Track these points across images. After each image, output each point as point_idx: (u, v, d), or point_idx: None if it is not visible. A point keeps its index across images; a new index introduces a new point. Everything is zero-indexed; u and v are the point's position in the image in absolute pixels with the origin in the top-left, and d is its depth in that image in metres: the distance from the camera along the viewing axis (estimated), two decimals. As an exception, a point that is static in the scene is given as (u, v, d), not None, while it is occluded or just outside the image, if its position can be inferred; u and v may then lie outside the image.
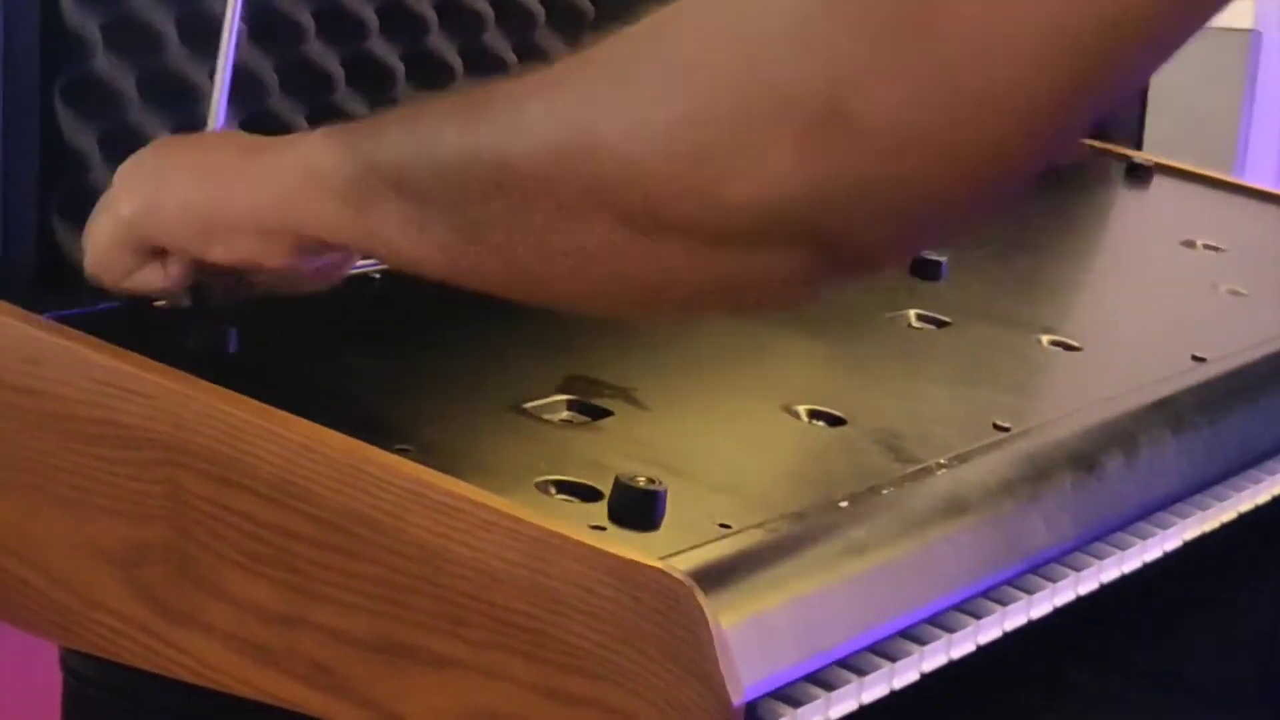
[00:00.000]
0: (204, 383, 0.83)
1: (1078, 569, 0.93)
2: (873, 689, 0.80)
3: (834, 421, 0.91)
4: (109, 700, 0.92)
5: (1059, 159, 0.60)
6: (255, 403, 0.82)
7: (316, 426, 0.80)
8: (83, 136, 0.99)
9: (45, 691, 0.96)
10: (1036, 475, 0.91)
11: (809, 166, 0.59)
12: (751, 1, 0.61)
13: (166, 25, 1.02)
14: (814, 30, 0.59)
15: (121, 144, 1.00)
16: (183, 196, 0.83)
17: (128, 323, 0.90)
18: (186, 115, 1.04)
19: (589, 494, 0.79)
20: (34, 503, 0.87)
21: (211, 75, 1.04)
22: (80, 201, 0.99)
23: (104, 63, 0.99)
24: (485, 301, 1.03)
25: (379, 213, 0.75)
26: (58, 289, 0.95)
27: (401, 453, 0.80)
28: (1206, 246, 1.34)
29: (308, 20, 1.10)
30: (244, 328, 0.89)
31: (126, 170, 0.86)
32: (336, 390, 0.88)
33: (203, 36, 1.04)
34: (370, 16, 1.14)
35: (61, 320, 0.88)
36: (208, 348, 0.88)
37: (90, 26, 0.98)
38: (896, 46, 0.58)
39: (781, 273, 0.65)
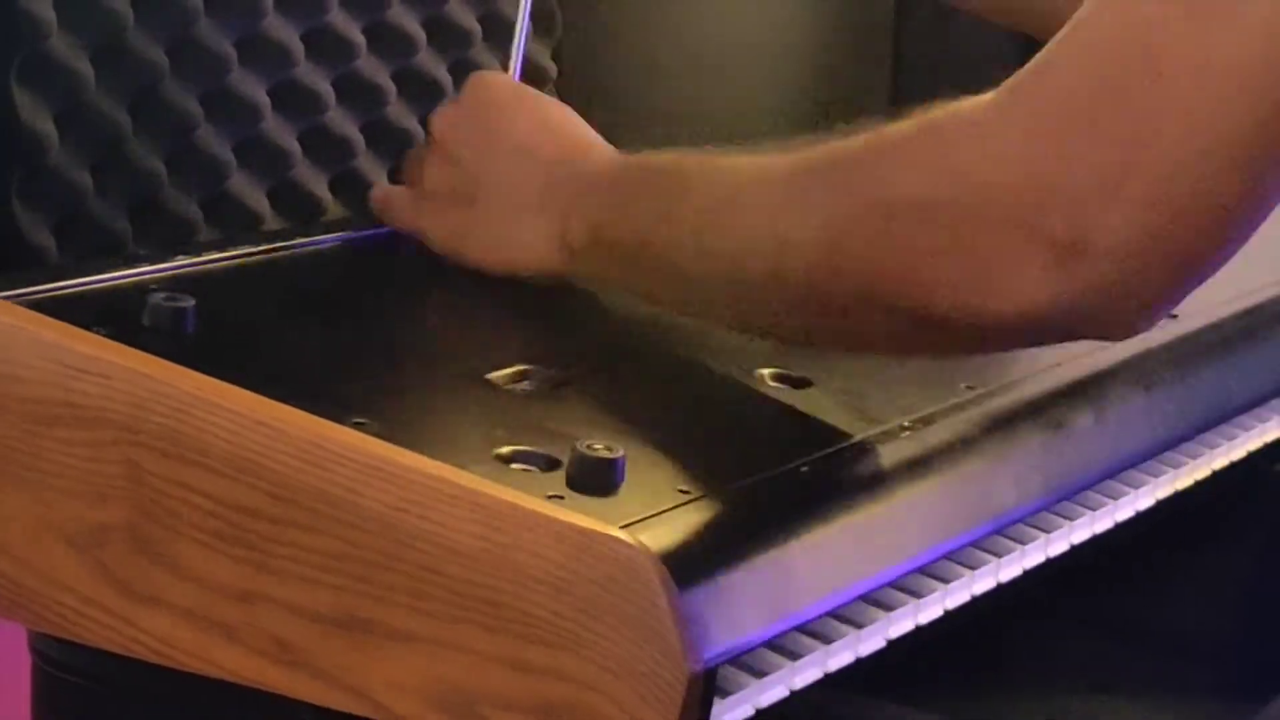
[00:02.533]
0: (160, 361, 0.82)
1: (1048, 530, 0.93)
2: (838, 656, 0.80)
3: (798, 384, 0.91)
4: (77, 682, 0.92)
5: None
6: (211, 380, 0.81)
7: (272, 402, 0.80)
8: (39, 117, 0.98)
9: (14, 674, 0.96)
10: (1004, 435, 0.91)
11: (1057, 288, 0.72)
12: (975, 148, 0.74)
13: (121, 3, 1.01)
14: (1045, 177, 0.72)
15: (78, 124, 1.00)
16: (477, 256, 0.99)
17: (85, 303, 0.90)
18: (143, 93, 1.03)
19: (548, 463, 0.79)
20: (-7, 485, 0.86)
21: (168, 52, 1.03)
22: (38, 183, 0.98)
23: (59, 43, 0.98)
24: (447, 274, 1.03)
25: (648, 286, 0.90)
26: (15, 269, 0.94)
27: (359, 426, 0.79)
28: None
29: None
30: (203, 305, 0.89)
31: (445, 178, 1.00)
32: (296, 365, 0.87)
33: (158, 14, 1.03)
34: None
35: (18, 301, 0.88)
36: (166, 326, 0.87)
37: (44, 6, 0.97)
38: (1118, 184, 0.70)
39: (1026, 345, 0.83)
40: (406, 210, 1.02)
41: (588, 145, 0.97)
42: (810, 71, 1.49)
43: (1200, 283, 0.75)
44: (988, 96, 0.75)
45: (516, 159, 0.97)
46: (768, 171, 0.82)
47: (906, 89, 1.57)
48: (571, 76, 1.27)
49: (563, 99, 1.27)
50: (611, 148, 0.97)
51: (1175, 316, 1.07)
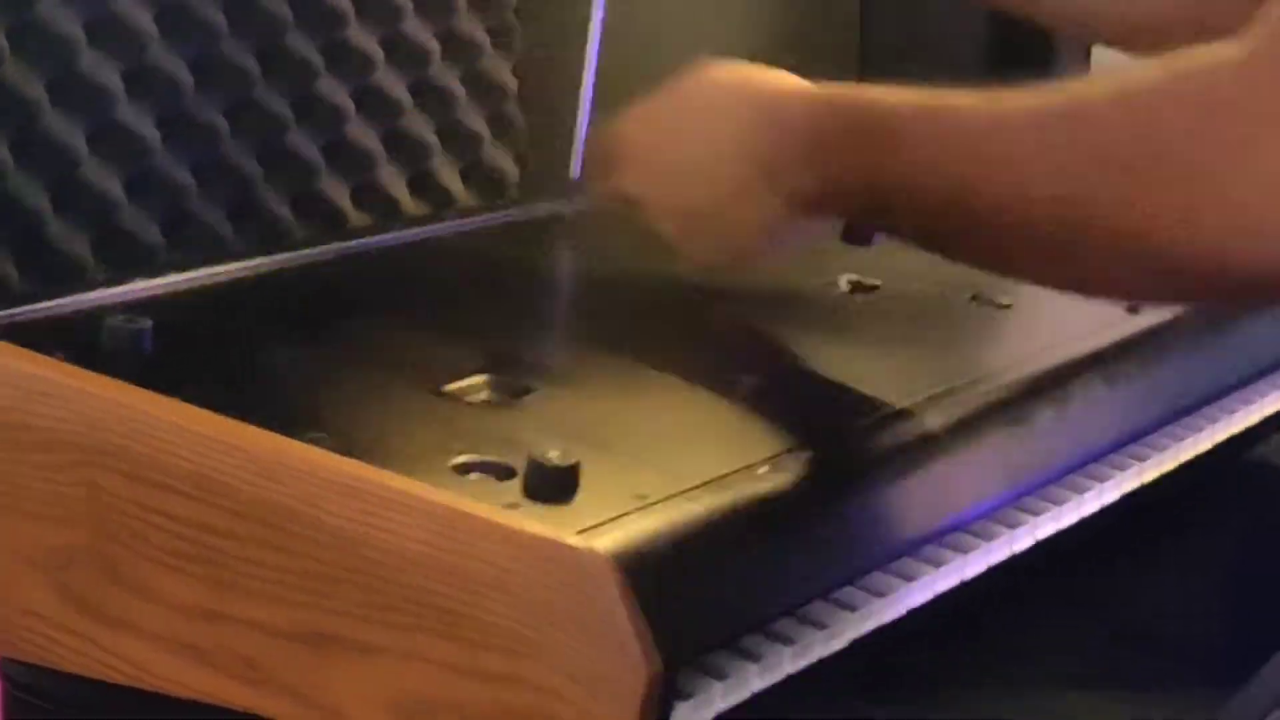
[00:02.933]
0: (116, 382, 0.83)
1: (1013, 525, 0.93)
2: (800, 658, 0.80)
3: (759, 388, 0.91)
4: (50, 708, 0.92)
5: None
6: (167, 399, 0.81)
7: (229, 420, 0.80)
8: (-5, 143, 0.99)
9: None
10: (965, 431, 0.91)
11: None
12: (1228, 103, 0.74)
13: (75, 29, 1.02)
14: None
15: (35, 150, 1.00)
16: (714, 253, 0.95)
17: (45, 328, 0.90)
18: (100, 118, 1.03)
19: (504, 472, 0.79)
20: (-44, 511, 0.86)
21: (124, 77, 1.04)
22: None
23: (12, 70, 0.99)
24: (406, 287, 1.04)
25: (892, 215, 0.88)
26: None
27: (317, 442, 0.79)
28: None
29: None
30: (161, 326, 0.89)
31: (647, 140, 0.95)
32: (254, 383, 0.88)
33: (112, 39, 1.03)
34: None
35: (-25, 327, 0.88)
36: (124, 348, 0.88)
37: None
38: None
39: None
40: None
41: (778, 95, 0.92)
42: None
43: None
44: (1233, 47, 0.75)
45: (712, 147, 0.93)
46: (1004, 120, 0.81)
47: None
48: (532, 90, 1.28)
49: (523, 113, 1.28)
50: (804, 84, 0.92)
51: (1136, 311, 1.08)
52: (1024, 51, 1.72)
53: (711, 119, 0.93)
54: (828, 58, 1.57)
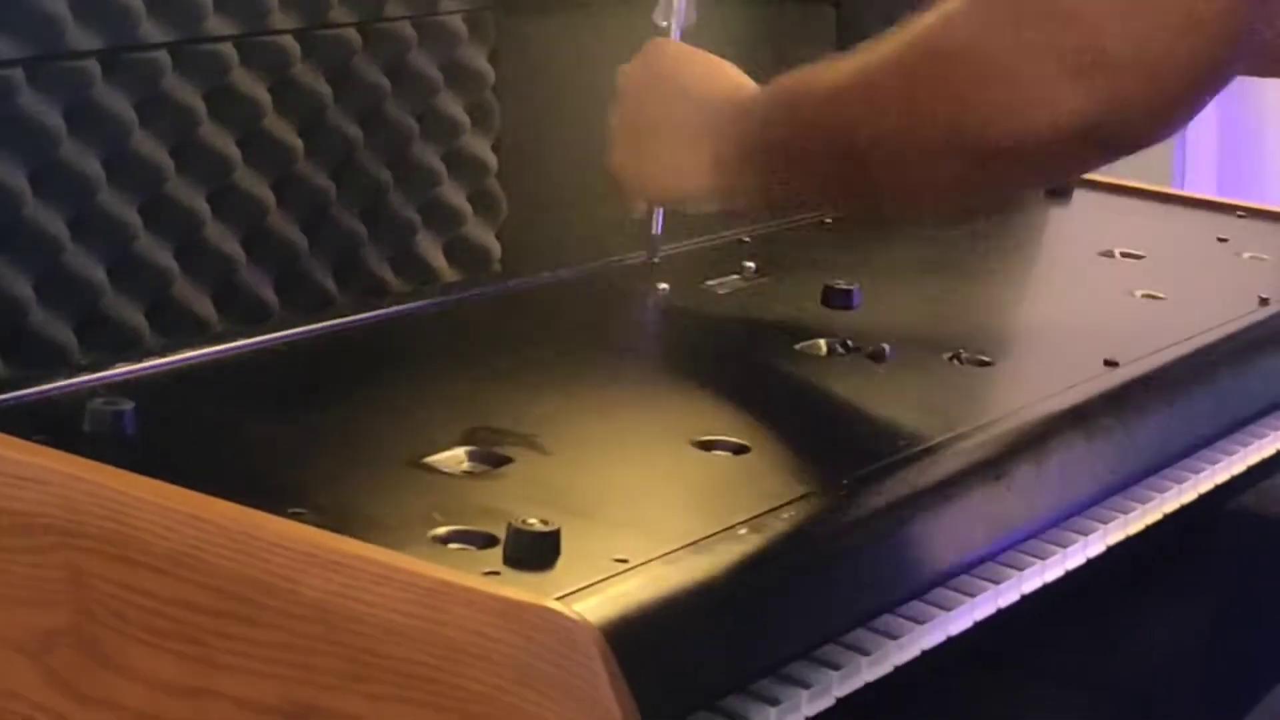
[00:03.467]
0: (94, 464, 0.83)
1: (997, 581, 0.93)
2: (784, 717, 0.80)
3: (738, 450, 0.91)
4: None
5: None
6: (145, 479, 0.82)
7: (206, 497, 0.80)
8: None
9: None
10: (942, 489, 0.91)
11: (1084, 99, 0.84)
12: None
13: (55, 119, 1.03)
14: (1066, 6, 0.84)
15: (17, 237, 1.01)
16: (657, 185, 1.15)
17: (27, 413, 0.91)
18: (82, 205, 1.04)
19: (485, 541, 0.79)
20: (-61, 598, 0.87)
21: (104, 162, 1.05)
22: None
23: (-6, 159, 1.00)
24: (387, 362, 1.04)
25: (784, 184, 1.06)
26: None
27: (296, 516, 0.80)
28: (1125, 255, 1.34)
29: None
30: (144, 408, 0.89)
31: (628, 116, 1.15)
32: (237, 460, 0.88)
33: (92, 128, 1.04)
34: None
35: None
36: (105, 430, 0.88)
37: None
38: (1127, 8, 0.83)
39: (1075, 165, 0.96)
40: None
41: (735, 86, 1.12)
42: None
43: (1213, 94, 0.86)
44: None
45: (680, 102, 1.13)
46: (862, 64, 0.96)
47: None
48: (511, 167, 1.29)
49: (503, 188, 1.30)
50: (752, 84, 1.11)
51: (1116, 365, 1.08)
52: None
53: (682, 85, 1.13)
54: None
